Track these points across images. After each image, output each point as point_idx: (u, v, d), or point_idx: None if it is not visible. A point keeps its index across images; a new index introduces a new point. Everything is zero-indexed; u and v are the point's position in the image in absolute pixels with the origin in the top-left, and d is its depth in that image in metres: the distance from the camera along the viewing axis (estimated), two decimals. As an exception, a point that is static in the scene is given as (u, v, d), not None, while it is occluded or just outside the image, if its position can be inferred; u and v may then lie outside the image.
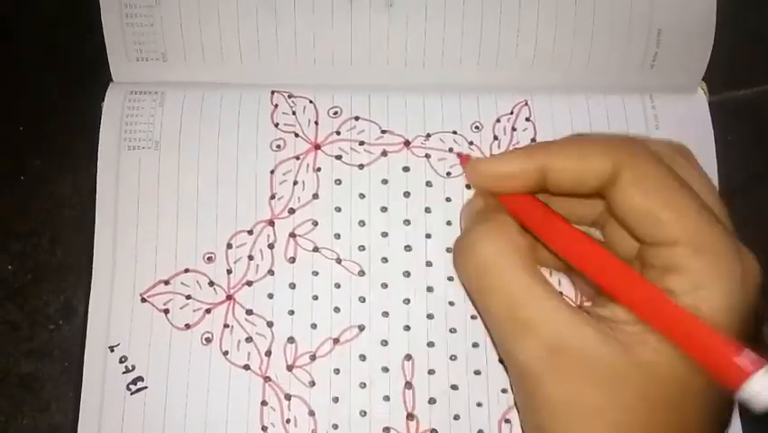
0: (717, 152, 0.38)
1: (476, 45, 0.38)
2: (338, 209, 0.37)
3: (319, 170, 0.37)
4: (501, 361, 0.35)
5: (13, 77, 0.39)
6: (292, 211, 0.37)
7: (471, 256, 0.29)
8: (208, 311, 0.36)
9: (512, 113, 0.38)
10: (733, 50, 0.39)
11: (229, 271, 0.36)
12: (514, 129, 0.38)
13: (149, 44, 0.38)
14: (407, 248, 0.36)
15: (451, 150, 0.37)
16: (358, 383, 0.35)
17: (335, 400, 0.35)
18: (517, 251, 0.28)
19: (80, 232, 0.37)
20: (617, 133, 0.34)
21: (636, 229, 0.28)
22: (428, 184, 0.37)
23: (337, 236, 0.37)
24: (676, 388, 0.26)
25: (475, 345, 0.35)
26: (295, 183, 0.37)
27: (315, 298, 0.36)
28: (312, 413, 0.35)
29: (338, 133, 0.38)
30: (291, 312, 0.36)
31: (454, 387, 0.35)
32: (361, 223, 0.37)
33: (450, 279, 0.36)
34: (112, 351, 0.35)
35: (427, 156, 0.37)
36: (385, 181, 0.37)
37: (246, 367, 0.35)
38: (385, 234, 0.36)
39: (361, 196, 0.37)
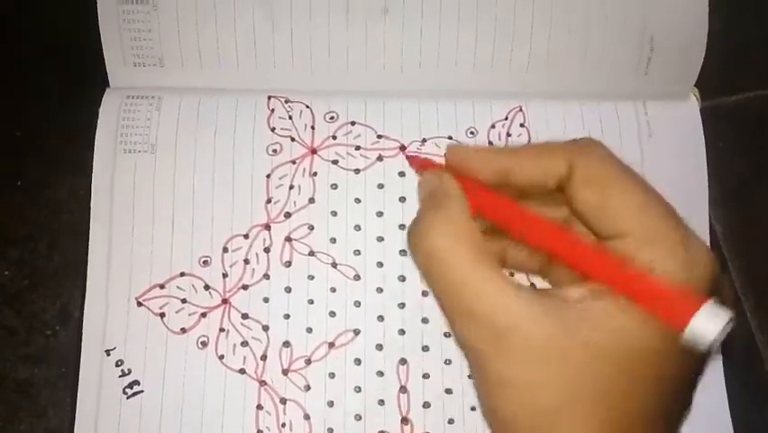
0: (709, 158, 0.39)
1: (471, 51, 0.39)
2: (334, 214, 0.37)
3: (315, 174, 0.37)
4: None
5: (11, 81, 0.39)
6: (288, 215, 0.37)
7: (422, 242, 0.30)
8: (204, 315, 0.36)
9: (507, 118, 0.38)
10: (725, 57, 0.40)
11: (225, 275, 0.36)
12: (509, 134, 0.38)
13: (146, 49, 0.38)
14: (402, 253, 0.36)
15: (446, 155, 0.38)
16: (353, 387, 0.35)
17: (330, 404, 0.35)
18: (465, 238, 0.29)
19: (77, 237, 0.37)
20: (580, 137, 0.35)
21: (591, 224, 0.29)
22: (423, 189, 0.37)
23: (333, 241, 0.37)
24: (617, 363, 0.26)
25: (470, 349, 0.36)
26: (291, 187, 0.37)
27: (311, 302, 0.36)
28: (307, 417, 0.35)
29: (334, 137, 0.38)
30: (287, 316, 0.36)
31: (449, 391, 0.35)
32: (357, 227, 0.37)
33: (445, 283, 0.36)
34: (108, 355, 0.35)
35: (423, 161, 0.38)
36: (381, 186, 0.37)
37: (242, 371, 0.35)
38: (380, 239, 0.37)
39: (357, 200, 0.37)
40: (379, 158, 0.38)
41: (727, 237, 0.39)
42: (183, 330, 0.36)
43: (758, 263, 0.39)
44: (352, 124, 0.38)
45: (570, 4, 0.38)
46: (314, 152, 0.38)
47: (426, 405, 0.35)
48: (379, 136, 0.38)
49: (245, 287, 0.36)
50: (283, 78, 0.39)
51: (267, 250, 0.37)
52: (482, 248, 0.29)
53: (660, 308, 0.26)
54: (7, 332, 0.36)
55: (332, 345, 0.36)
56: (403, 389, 0.35)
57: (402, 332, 0.36)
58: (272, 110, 0.38)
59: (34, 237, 0.37)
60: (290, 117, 0.38)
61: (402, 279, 0.36)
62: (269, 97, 0.38)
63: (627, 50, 0.39)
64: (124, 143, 0.37)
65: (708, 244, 0.38)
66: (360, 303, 0.36)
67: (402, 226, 0.37)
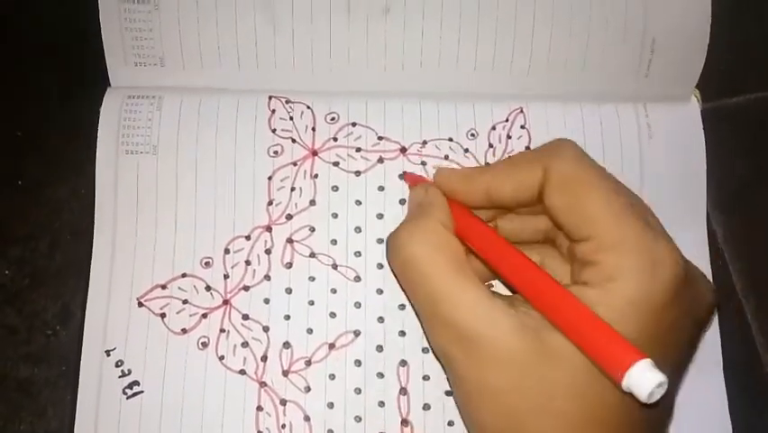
0: (711, 160, 0.39)
1: (472, 52, 0.39)
2: (335, 216, 0.37)
3: (316, 176, 0.37)
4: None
5: (11, 81, 0.39)
6: (289, 217, 0.37)
7: (400, 251, 0.31)
8: (205, 316, 0.36)
9: (507, 120, 0.38)
10: (726, 59, 0.40)
11: (226, 276, 0.36)
12: (509, 137, 0.38)
13: (147, 49, 0.38)
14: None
15: (447, 157, 0.38)
16: (353, 389, 0.35)
17: (330, 405, 0.35)
18: (443, 247, 0.30)
19: (78, 236, 0.37)
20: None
21: (562, 227, 0.30)
22: (424, 191, 0.37)
23: (334, 242, 0.37)
24: (578, 374, 0.27)
25: (470, 350, 0.36)
26: (292, 189, 0.37)
27: (311, 303, 0.36)
28: (307, 418, 0.35)
29: (335, 139, 0.38)
30: (287, 317, 0.36)
31: (449, 393, 0.35)
32: (358, 229, 0.37)
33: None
34: (108, 355, 0.35)
35: (423, 163, 0.38)
36: (381, 188, 0.37)
37: (242, 372, 0.35)
38: (381, 241, 0.37)
39: (358, 202, 0.37)
40: (380, 160, 0.38)
41: (728, 240, 0.39)
42: (184, 331, 0.36)
43: (759, 266, 0.39)
44: (353, 125, 0.38)
45: (571, 5, 0.38)
46: (315, 153, 0.38)
47: (426, 407, 0.35)
48: (380, 138, 0.38)
49: (246, 288, 0.36)
50: (284, 78, 0.39)
51: (268, 251, 0.37)
52: (460, 258, 0.30)
53: (600, 360, 0.26)
54: (8, 331, 0.36)
55: (332, 346, 0.36)
56: (403, 390, 0.35)
57: (402, 334, 0.36)
58: (273, 111, 0.38)
59: (35, 237, 0.37)
60: (291, 118, 0.38)
61: (402, 280, 0.36)
62: (270, 98, 0.38)
63: (628, 52, 0.39)
64: (126, 144, 0.37)
65: (708, 246, 0.38)
66: (360, 304, 0.36)
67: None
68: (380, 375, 0.35)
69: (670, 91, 0.39)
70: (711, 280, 0.37)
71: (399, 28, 0.38)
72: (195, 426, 0.35)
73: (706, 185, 0.38)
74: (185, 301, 0.36)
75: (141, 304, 0.36)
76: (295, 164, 0.38)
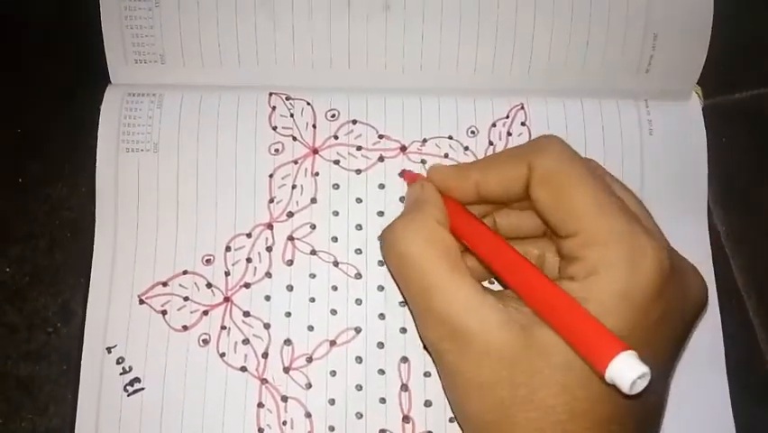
0: (712, 156, 0.39)
1: (473, 48, 0.39)
2: (336, 213, 0.37)
3: (317, 174, 0.37)
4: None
5: (11, 78, 0.39)
6: (290, 215, 0.37)
7: (394, 246, 0.31)
8: (206, 313, 0.36)
9: (508, 117, 0.38)
10: (728, 54, 0.40)
11: (227, 274, 0.36)
12: (509, 134, 0.38)
13: (147, 46, 0.38)
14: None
15: (446, 155, 0.38)
16: (354, 386, 0.35)
17: (332, 402, 0.35)
18: (437, 243, 0.31)
19: (78, 234, 0.37)
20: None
21: (548, 223, 0.31)
22: (424, 189, 0.37)
23: (334, 240, 0.37)
24: (566, 369, 0.27)
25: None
26: (293, 187, 0.37)
27: (312, 300, 0.36)
28: (308, 415, 0.35)
29: (336, 137, 0.38)
30: (288, 314, 0.36)
31: (450, 390, 0.35)
32: (358, 226, 0.37)
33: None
34: (109, 352, 0.35)
35: (423, 162, 0.38)
36: (382, 186, 0.37)
37: (243, 369, 0.35)
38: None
39: (359, 200, 0.37)
40: (380, 158, 0.38)
41: (729, 236, 0.39)
42: (185, 328, 0.36)
43: (760, 262, 0.39)
44: (354, 122, 0.38)
45: (572, 1, 0.38)
46: (315, 152, 0.38)
47: (428, 403, 0.35)
48: (380, 136, 0.38)
49: (247, 285, 0.36)
50: (284, 75, 0.39)
51: (269, 249, 0.37)
52: (452, 254, 0.31)
53: (584, 352, 0.26)
54: (8, 329, 0.36)
55: (333, 343, 0.36)
56: (404, 387, 0.35)
57: (403, 330, 0.36)
58: (273, 108, 0.38)
59: (35, 235, 0.37)
60: (292, 115, 0.38)
61: (403, 277, 0.36)
62: (271, 94, 0.38)
63: (629, 48, 0.39)
64: (127, 142, 0.37)
65: (709, 242, 0.38)
66: (361, 301, 0.36)
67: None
68: (381, 372, 0.35)
69: (671, 87, 0.39)
70: (713, 277, 0.37)
71: (399, 24, 0.38)
72: (196, 423, 0.35)
73: (707, 181, 0.38)
74: (186, 298, 0.36)
75: (142, 301, 0.36)
76: (296, 162, 0.38)
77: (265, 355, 0.35)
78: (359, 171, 0.37)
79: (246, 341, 0.36)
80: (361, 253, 0.37)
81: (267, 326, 0.36)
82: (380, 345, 0.36)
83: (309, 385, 0.35)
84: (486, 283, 0.35)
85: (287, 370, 0.35)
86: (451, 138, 0.38)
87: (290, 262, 0.36)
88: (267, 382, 0.35)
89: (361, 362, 0.35)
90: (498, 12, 0.38)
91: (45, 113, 0.39)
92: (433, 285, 0.30)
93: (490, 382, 0.28)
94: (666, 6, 0.38)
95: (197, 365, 0.35)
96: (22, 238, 0.37)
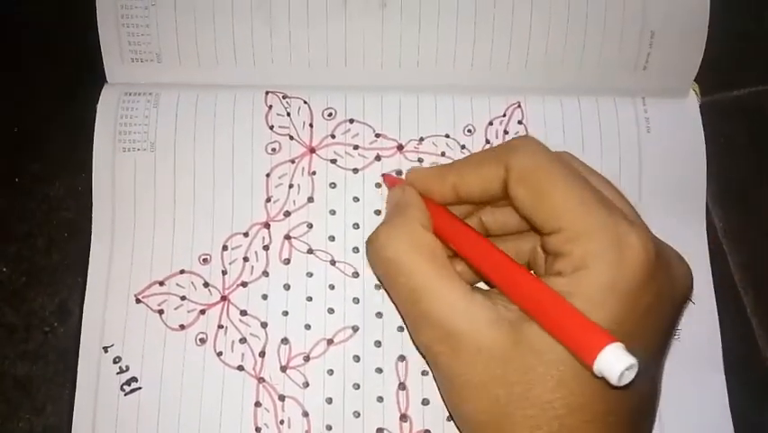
0: (710, 153, 0.38)
1: (469, 46, 0.39)
2: (332, 212, 0.37)
3: (314, 173, 0.37)
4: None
5: (8, 78, 0.39)
6: (287, 214, 0.37)
7: (380, 252, 0.32)
8: (203, 312, 0.36)
9: (504, 115, 0.38)
10: (725, 52, 0.40)
11: (224, 273, 0.36)
12: (506, 132, 0.38)
13: (144, 45, 0.38)
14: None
15: (443, 154, 0.38)
16: (351, 384, 0.35)
17: (329, 400, 0.35)
18: (422, 245, 0.31)
19: (76, 234, 0.37)
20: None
21: (529, 221, 0.30)
22: (421, 187, 0.37)
23: (331, 239, 0.37)
24: (559, 364, 0.27)
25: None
26: (290, 186, 0.37)
27: (310, 299, 0.36)
28: (306, 414, 0.35)
29: (333, 136, 0.38)
30: (285, 313, 0.36)
31: (447, 388, 0.35)
32: (355, 226, 0.37)
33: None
34: (106, 351, 0.35)
35: (420, 160, 0.38)
36: (378, 185, 0.37)
37: (240, 368, 0.35)
38: (379, 237, 0.37)
39: (355, 199, 0.37)
40: (377, 157, 0.38)
41: (727, 233, 0.39)
42: (182, 327, 0.36)
43: (758, 260, 0.39)
44: (351, 121, 0.38)
45: (569, -2, 0.38)
46: (312, 151, 0.38)
47: (425, 402, 0.35)
48: (377, 135, 0.38)
49: (244, 284, 0.36)
50: (281, 74, 0.39)
51: (266, 248, 0.37)
52: (438, 256, 0.31)
53: (572, 346, 0.27)
54: (5, 329, 0.36)
55: (330, 341, 0.36)
56: (402, 386, 0.35)
57: (401, 329, 0.36)
58: (270, 107, 0.38)
59: (32, 234, 0.37)
60: (288, 114, 0.38)
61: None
62: (267, 93, 0.38)
63: (626, 45, 0.39)
64: (123, 141, 0.37)
65: (707, 239, 0.38)
66: (358, 300, 0.36)
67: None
68: (379, 370, 0.35)
69: (668, 85, 0.39)
70: (710, 274, 0.37)
71: (396, 22, 0.38)
72: (193, 422, 0.35)
73: (705, 178, 0.38)
74: (183, 298, 0.36)
75: (138, 301, 0.36)
76: (293, 161, 0.37)
77: (262, 354, 0.35)
78: (356, 170, 0.37)
79: (243, 340, 0.36)
80: (358, 251, 0.37)
81: (264, 325, 0.36)
82: (378, 343, 0.36)
83: (306, 384, 0.35)
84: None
85: (284, 369, 0.35)
86: (448, 136, 0.38)
87: (287, 261, 0.36)
88: (264, 380, 0.35)
89: (358, 360, 0.35)
90: (495, 9, 0.38)
91: (43, 113, 0.39)
92: (420, 288, 0.30)
93: (484, 381, 0.28)
94: (663, 4, 0.38)
95: (194, 364, 0.35)
96: (20, 238, 0.37)
